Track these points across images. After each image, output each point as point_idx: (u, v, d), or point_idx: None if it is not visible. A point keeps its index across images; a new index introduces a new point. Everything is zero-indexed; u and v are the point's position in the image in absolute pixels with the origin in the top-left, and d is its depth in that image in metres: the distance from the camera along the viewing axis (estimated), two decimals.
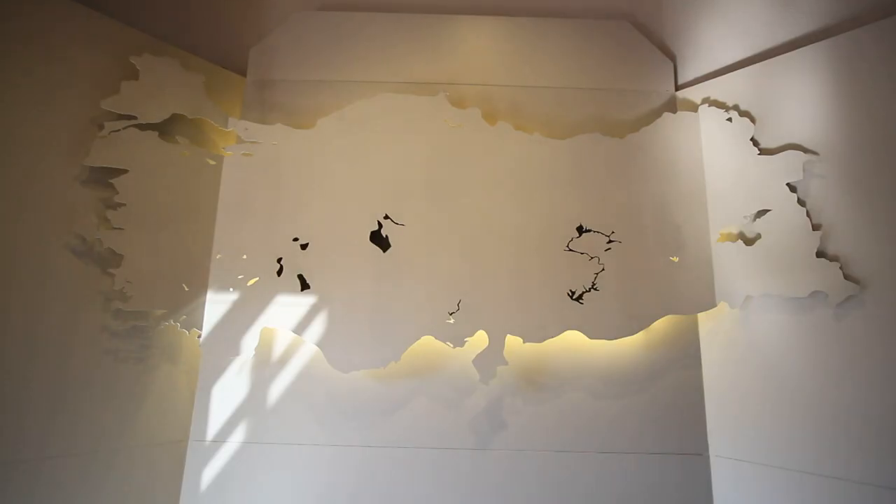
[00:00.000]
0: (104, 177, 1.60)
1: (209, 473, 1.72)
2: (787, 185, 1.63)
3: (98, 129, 1.61)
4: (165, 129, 1.74)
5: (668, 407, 1.76)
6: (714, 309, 1.77)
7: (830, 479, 1.44)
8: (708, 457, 1.72)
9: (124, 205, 1.61)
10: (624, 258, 1.81)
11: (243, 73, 2.04)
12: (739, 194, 1.75)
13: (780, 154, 1.65)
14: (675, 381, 1.78)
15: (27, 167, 1.48)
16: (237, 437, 1.75)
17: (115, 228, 1.59)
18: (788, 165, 1.62)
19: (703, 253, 1.81)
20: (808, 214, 1.57)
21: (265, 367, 1.80)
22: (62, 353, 1.48)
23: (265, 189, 1.87)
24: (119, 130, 1.63)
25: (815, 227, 1.55)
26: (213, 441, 1.74)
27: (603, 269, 1.80)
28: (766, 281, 1.65)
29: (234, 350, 1.76)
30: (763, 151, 1.71)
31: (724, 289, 1.75)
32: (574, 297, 1.79)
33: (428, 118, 1.94)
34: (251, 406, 1.77)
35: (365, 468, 1.73)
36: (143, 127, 1.68)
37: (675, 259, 1.81)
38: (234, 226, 1.85)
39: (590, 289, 1.79)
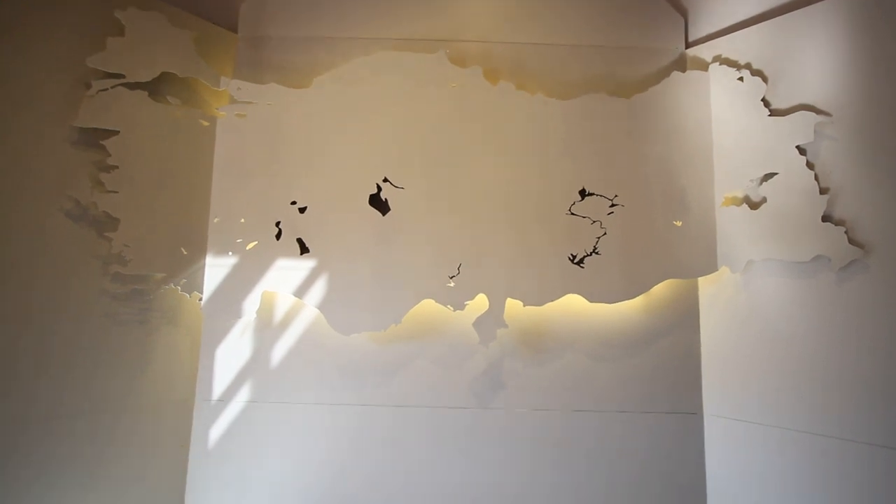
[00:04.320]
0: (95, 138, 1.56)
1: (217, 431, 1.78)
2: (797, 147, 1.58)
3: (85, 88, 1.55)
4: (155, 88, 1.68)
5: (666, 369, 1.79)
6: (715, 273, 1.76)
7: (825, 437, 1.47)
8: (702, 416, 1.77)
9: (117, 167, 1.58)
10: (626, 222, 1.79)
11: (235, 29, 1.95)
12: (747, 157, 1.71)
13: (791, 115, 1.60)
14: (673, 344, 1.80)
15: (14, 128, 1.44)
16: (242, 396, 1.79)
17: (110, 192, 1.57)
18: (799, 127, 1.57)
19: (706, 217, 1.78)
20: (816, 178, 1.54)
21: (267, 330, 1.82)
22: (63, 317, 1.49)
23: (261, 151, 1.83)
24: (107, 90, 1.57)
25: (823, 191, 1.52)
26: (219, 400, 1.79)
27: (605, 234, 1.79)
28: (768, 245, 1.64)
29: (235, 313, 1.77)
30: (774, 112, 1.66)
31: (726, 253, 1.74)
32: (575, 261, 1.78)
33: (427, 77, 1.87)
34: (255, 367, 1.80)
35: (367, 426, 1.78)
36: (132, 86, 1.63)
37: (679, 223, 1.79)
38: (230, 189, 1.82)
39: (591, 253, 1.78)
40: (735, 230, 1.72)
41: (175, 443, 1.74)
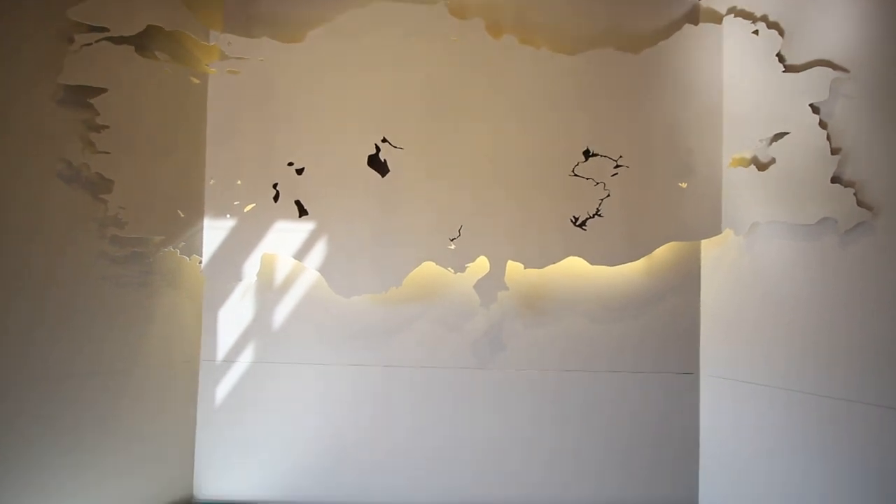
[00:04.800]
0: (83, 96, 1.50)
1: (223, 390, 1.82)
2: (811, 105, 1.53)
3: (68, 43, 1.48)
4: (142, 43, 1.61)
5: (665, 330, 1.81)
6: (718, 236, 1.75)
7: (823, 397, 1.49)
8: (698, 376, 1.80)
9: (108, 127, 1.53)
10: (630, 183, 1.76)
11: None
12: (757, 116, 1.65)
13: (807, 72, 1.53)
14: (673, 306, 1.81)
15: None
16: (246, 357, 1.82)
17: (102, 153, 1.53)
18: (814, 84, 1.51)
19: (712, 179, 1.75)
20: (828, 137, 1.49)
21: (268, 292, 1.83)
22: (63, 279, 1.49)
23: (255, 110, 1.77)
24: (91, 44, 1.50)
25: (834, 152, 1.48)
26: (224, 361, 1.82)
27: (608, 195, 1.76)
28: (774, 208, 1.61)
29: (236, 276, 1.77)
30: (788, 69, 1.59)
31: (730, 215, 1.72)
32: (577, 223, 1.76)
33: (427, 30, 1.78)
34: (257, 328, 1.82)
35: (368, 386, 1.82)
36: (118, 41, 1.55)
37: (684, 185, 1.75)
38: (225, 150, 1.77)
39: (594, 215, 1.76)
40: (741, 192, 1.69)
41: (183, 402, 1.78)
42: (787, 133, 1.58)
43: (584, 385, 1.81)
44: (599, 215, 1.76)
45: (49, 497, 1.46)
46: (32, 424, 1.42)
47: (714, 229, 1.74)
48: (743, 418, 1.68)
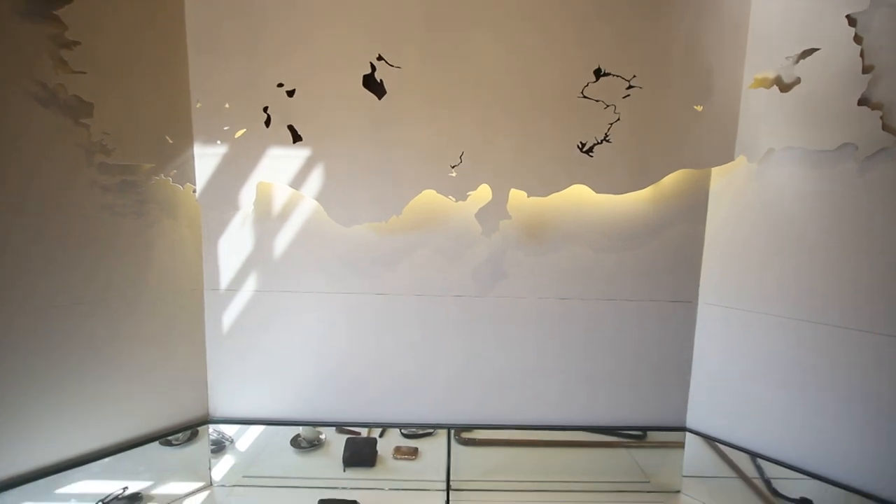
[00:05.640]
0: (45, 7, 1.37)
1: (229, 318, 1.85)
2: (847, 17, 1.39)
3: None
4: None
5: (667, 260, 1.80)
6: (730, 163, 1.68)
7: (826, 326, 1.52)
8: (697, 304, 1.83)
9: (79, 43, 1.41)
10: (642, 106, 1.66)
11: None
12: (786, 31, 1.51)
13: None
14: (677, 236, 1.79)
15: None
16: (249, 286, 1.83)
17: (77, 72, 1.42)
18: None
19: (731, 101, 1.64)
20: (861, 54, 1.37)
21: (267, 221, 1.80)
22: (56, 207, 1.45)
23: (237, 22, 1.62)
24: None
25: (866, 70, 1.37)
26: (228, 290, 1.84)
27: (618, 119, 1.66)
28: (792, 132, 1.53)
29: (232, 205, 1.74)
30: None
31: (745, 141, 1.64)
32: (584, 149, 1.69)
33: None
34: (258, 258, 1.82)
35: (370, 313, 1.85)
36: None
37: (699, 108, 1.65)
38: (209, 69, 1.65)
39: (601, 141, 1.68)
40: (759, 116, 1.60)
41: (190, 328, 1.83)
42: (817, 49, 1.46)
43: (583, 313, 1.84)
44: (608, 141, 1.68)
45: (66, 425, 1.55)
46: (42, 354, 1.46)
47: (727, 156, 1.67)
48: (738, 345, 1.73)
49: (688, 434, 1.88)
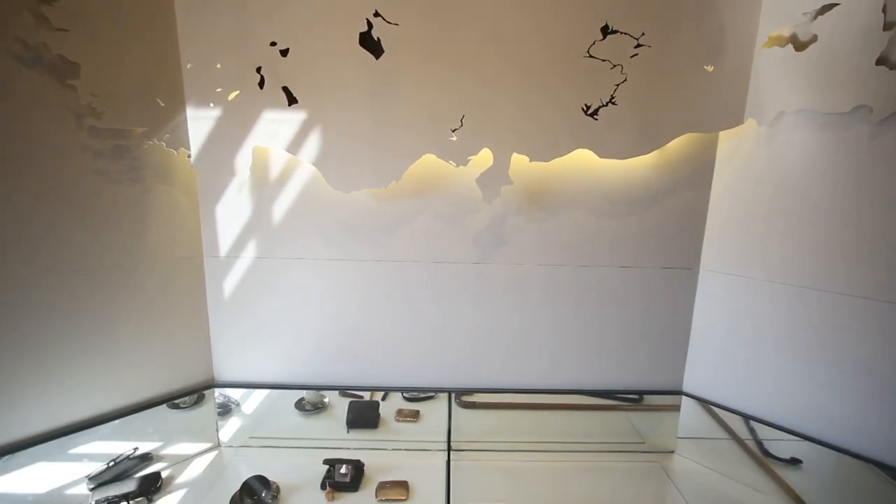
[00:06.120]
0: None
1: (229, 284, 1.86)
2: None
3: None
4: None
5: (669, 226, 1.78)
6: (738, 127, 1.63)
7: (829, 293, 1.51)
8: (698, 271, 1.82)
9: None
10: (650, 66, 1.59)
11: None
12: None
13: None
14: (680, 202, 1.76)
15: None
16: (249, 252, 1.82)
17: (60, 30, 1.36)
18: None
19: (743, 61, 1.58)
20: (884, 9, 1.30)
21: (264, 188, 1.77)
22: (51, 174, 1.42)
23: None
24: None
25: (888, 27, 1.30)
26: (227, 256, 1.83)
27: (625, 80, 1.60)
28: (805, 94, 1.48)
29: (228, 170, 1.70)
30: None
31: (756, 103, 1.58)
32: (589, 112, 1.63)
33: None
34: (257, 225, 1.80)
35: (370, 280, 1.85)
36: None
37: (710, 68, 1.59)
38: (199, 28, 1.58)
39: (607, 103, 1.62)
40: (772, 76, 1.54)
41: (192, 295, 1.83)
42: (837, 4, 1.38)
43: (583, 279, 1.84)
44: (613, 103, 1.62)
45: (74, 390, 1.57)
46: (44, 321, 1.47)
47: (736, 119, 1.61)
48: (737, 311, 1.74)
49: (684, 398, 1.92)
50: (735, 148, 1.68)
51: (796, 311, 1.59)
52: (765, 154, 1.61)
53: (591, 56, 1.59)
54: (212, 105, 1.63)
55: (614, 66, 1.59)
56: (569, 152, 1.67)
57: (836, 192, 1.47)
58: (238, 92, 1.62)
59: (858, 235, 1.44)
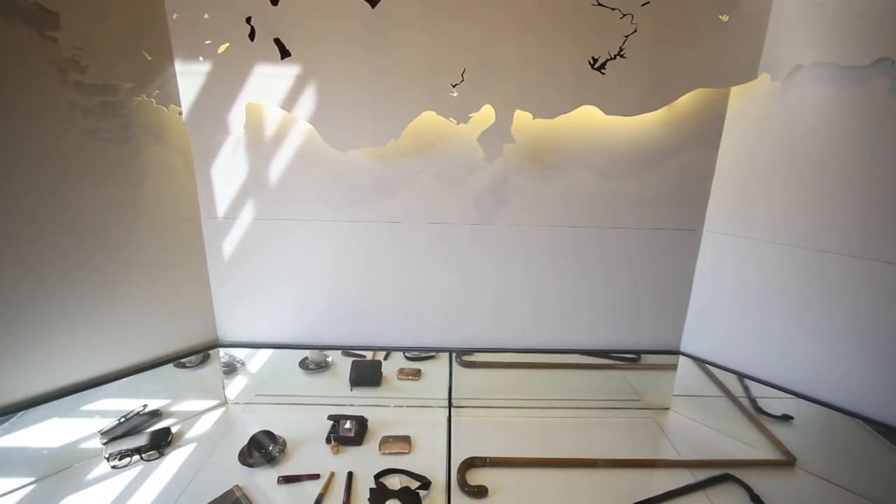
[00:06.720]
0: None
1: (229, 246, 1.85)
2: None
3: None
4: None
5: (676, 186, 1.74)
6: (752, 82, 1.56)
7: (832, 254, 1.50)
8: (701, 232, 1.80)
9: None
10: (662, 16, 1.50)
11: None
12: None
13: None
14: (687, 161, 1.72)
15: None
16: (247, 213, 1.80)
17: None
18: None
19: (761, 9, 1.49)
20: None
21: (259, 146, 1.72)
22: (37, 132, 1.38)
23: None
24: None
25: None
26: (226, 218, 1.81)
27: (635, 31, 1.52)
28: (824, 46, 1.40)
29: (222, 128, 1.65)
30: None
31: (771, 56, 1.50)
32: (596, 65, 1.56)
33: None
34: (254, 185, 1.77)
35: (370, 241, 1.84)
36: None
37: (725, 17, 1.50)
38: None
39: (615, 56, 1.54)
40: (790, 27, 1.45)
41: (191, 256, 1.82)
42: None
43: (585, 240, 1.82)
44: (622, 56, 1.54)
45: (79, 353, 1.59)
46: (40, 284, 1.47)
47: (750, 73, 1.54)
48: (738, 272, 1.73)
49: (681, 357, 1.95)
50: (747, 105, 1.62)
51: (799, 273, 1.58)
52: (777, 112, 1.55)
53: (599, 4, 1.50)
54: (201, 59, 1.56)
55: (624, 15, 1.51)
56: (574, 109, 1.60)
57: (849, 152, 1.42)
58: (228, 44, 1.54)
59: (872, 197, 1.40)
